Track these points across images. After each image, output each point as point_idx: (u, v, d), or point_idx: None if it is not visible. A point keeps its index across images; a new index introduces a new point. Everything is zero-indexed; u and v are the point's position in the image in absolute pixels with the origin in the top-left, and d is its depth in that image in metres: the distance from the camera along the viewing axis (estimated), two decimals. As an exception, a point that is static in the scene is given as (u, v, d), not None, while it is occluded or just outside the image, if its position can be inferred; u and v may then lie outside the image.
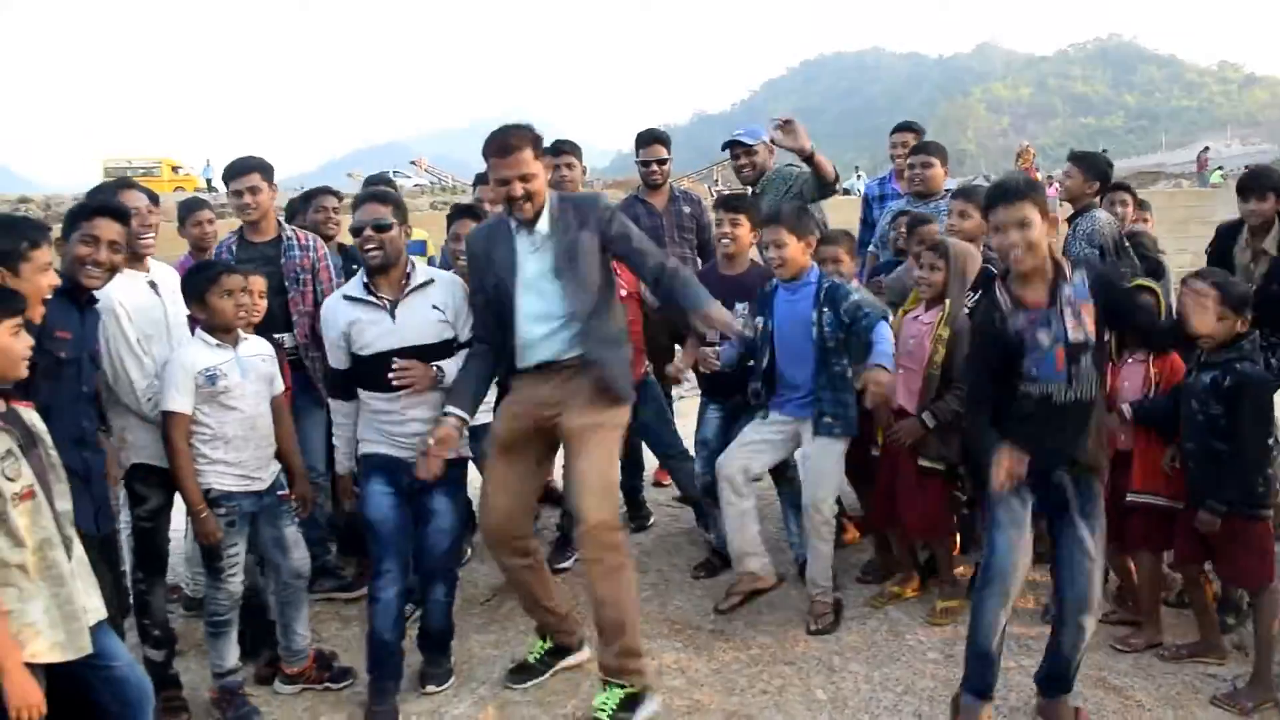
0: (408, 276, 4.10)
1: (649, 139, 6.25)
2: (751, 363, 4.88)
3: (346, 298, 4.11)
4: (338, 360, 4.16)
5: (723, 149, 6.28)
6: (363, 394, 4.13)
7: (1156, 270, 5.37)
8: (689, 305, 3.81)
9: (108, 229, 3.61)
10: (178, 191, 31.48)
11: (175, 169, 42.54)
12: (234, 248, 4.95)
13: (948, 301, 4.57)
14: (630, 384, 4.07)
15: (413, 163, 47.90)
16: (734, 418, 5.11)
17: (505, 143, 3.78)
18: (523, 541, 4.06)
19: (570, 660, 4.28)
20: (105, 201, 3.80)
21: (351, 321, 4.04)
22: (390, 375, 3.99)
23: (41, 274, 3.14)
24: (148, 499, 3.98)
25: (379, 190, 4.25)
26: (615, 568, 3.70)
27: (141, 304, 3.99)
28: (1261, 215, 5.09)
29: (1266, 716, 3.81)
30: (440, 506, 4.04)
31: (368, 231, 3.98)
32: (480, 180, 5.55)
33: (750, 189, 6.02)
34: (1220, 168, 42.24)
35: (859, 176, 37.67)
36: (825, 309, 4.56)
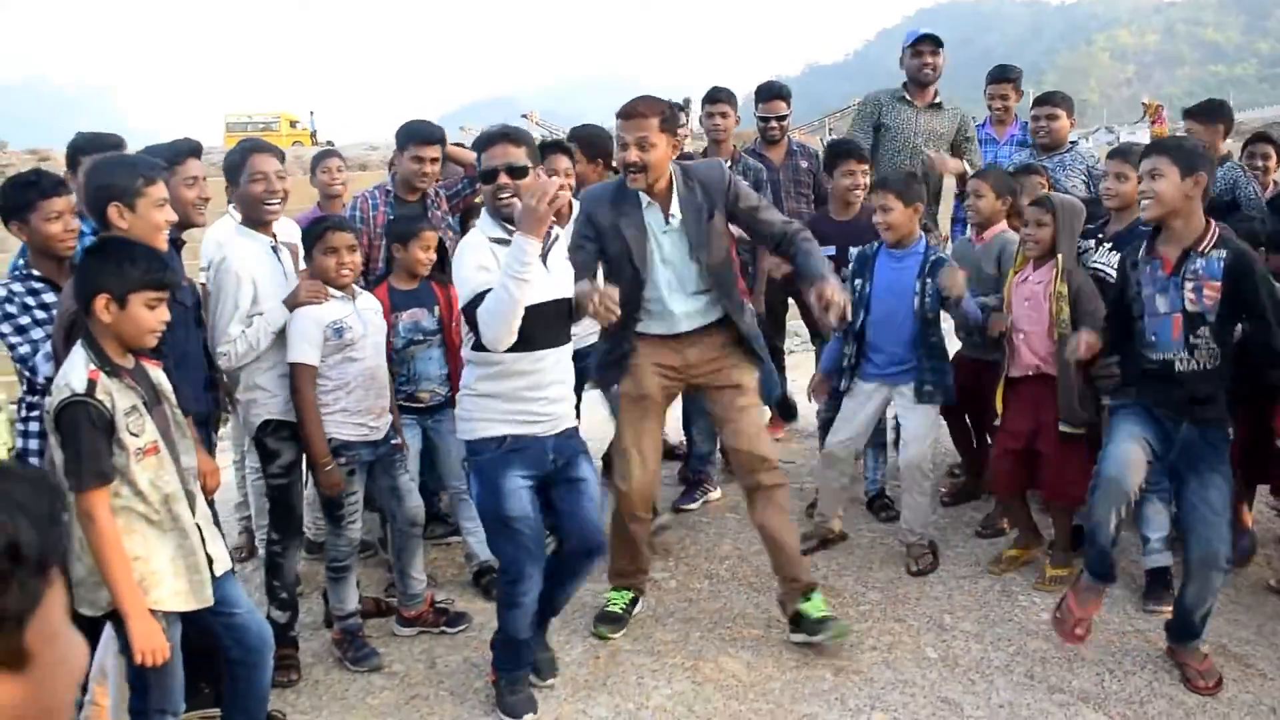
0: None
1: (770, 94, 6.16)
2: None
3: (492, 239, 3.55)
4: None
5: (919, 42, 6.13)
6: (489, 359, 3.53)
7: None
8: (809, 274, 3.93)
9: (200, 168, 3.78)
10: (295, 146, 32.17)
11: (293, 123, 43.39)
12: (391, 202, 4.86)
13: (1060, 256, 4.45)
14: (761, 342, 4.24)
15: (524, 116, 48.14)
16: None
17: (632, 108, 3.86)
18: (652, 501, 4.39)
19: (639, 607, 4.44)
20: (189, 142, 3.91)
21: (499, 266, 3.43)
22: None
23: (158, 209, 3.27)
24: (280, 453, 3.97)
25: (511, 129, 3.79)
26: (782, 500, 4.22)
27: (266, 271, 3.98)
28: None
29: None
30: (587, 473, 3.74)
31: (501, 178, 3.54)
32: (573, 135, 5.59)
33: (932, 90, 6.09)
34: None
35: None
36: (929, 279, 4.57)
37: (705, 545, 5.12)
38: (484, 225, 3.63)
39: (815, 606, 4.13)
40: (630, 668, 4.01)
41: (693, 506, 5.54)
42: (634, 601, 4.40)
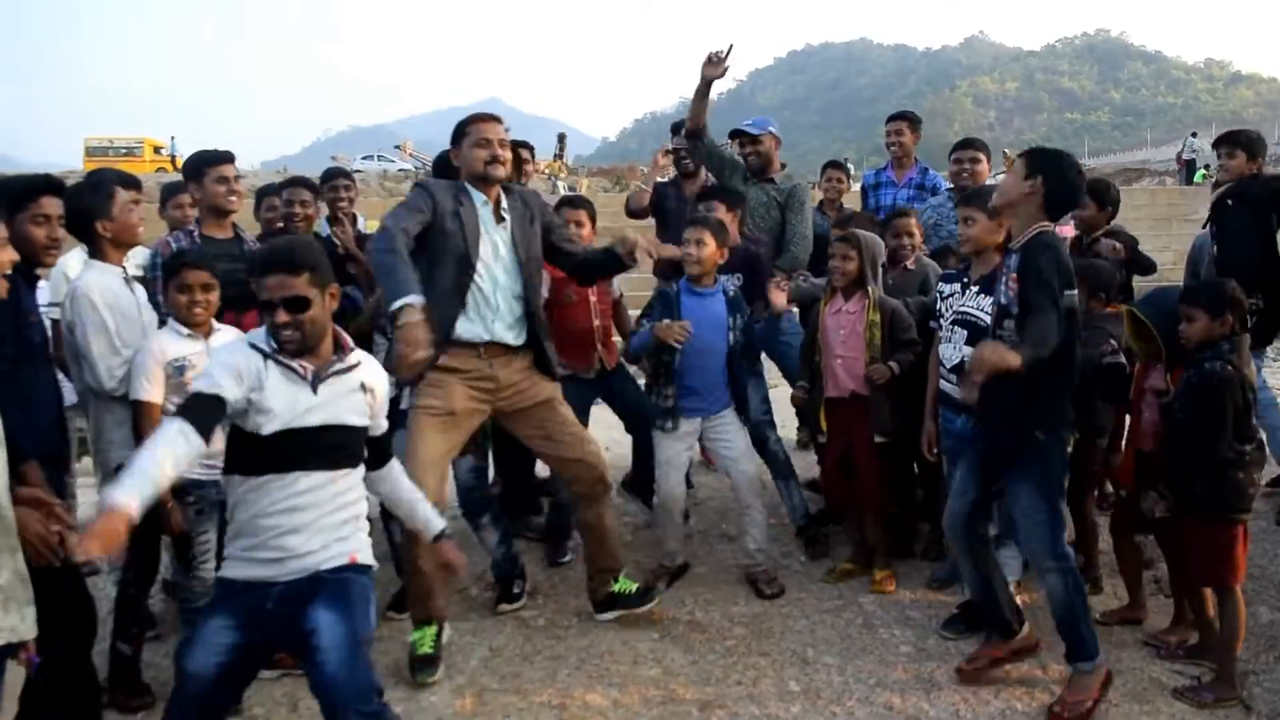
0: (338, 348, 3.22)
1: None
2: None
3: (255, 347, 3.08)
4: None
5: (730, 137, 6.34)
6: (254, 483, 3.05)
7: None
8: (610, 250, 4.38)
9: (54, 205, 3.64)
10: (159, 172, 31.20)
11: (158, 149, 41.98)
12: (198, 240, 4.59)
13: (870, 289, 4.86)
14: (557, 361, 4.47)
15: (397, 147, 47.51)
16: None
17: (488, 115, 4.24)
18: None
19: (447, 634, 4.41)
20: (48, 178, 3.75)
21: (257, 383, 3.00)
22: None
23: None
24: None
25: (287, 254, 3.12)
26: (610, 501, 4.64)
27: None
28: (1231, 171, 5.65)
29: (1230, 714, 3.86)
30: (321, 623, 2.93)
31: (279, 313, 3.03)
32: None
33: (750, 177, 6.08)
34: (1207, 166, 41.69)
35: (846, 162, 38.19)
36: (737, 315, 4.91)
37: (574, 583, 5.11)
38: (256, 333, 3.16)
39: (627, 584, 4.64)
40: (497, 707, 3.98)
41: (566, 560, 5.49)
42: (439, 634, 4.31)
